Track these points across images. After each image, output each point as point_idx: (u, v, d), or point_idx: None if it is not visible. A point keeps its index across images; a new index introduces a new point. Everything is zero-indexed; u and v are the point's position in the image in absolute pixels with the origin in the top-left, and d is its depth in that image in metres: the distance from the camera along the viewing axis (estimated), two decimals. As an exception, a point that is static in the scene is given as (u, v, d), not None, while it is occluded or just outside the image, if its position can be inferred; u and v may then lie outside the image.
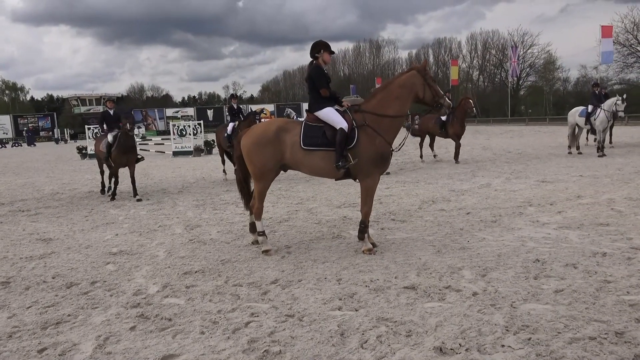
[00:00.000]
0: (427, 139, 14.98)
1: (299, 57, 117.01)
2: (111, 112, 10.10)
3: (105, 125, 10.01)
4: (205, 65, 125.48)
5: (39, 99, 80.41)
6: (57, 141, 54.44)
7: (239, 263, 4.97)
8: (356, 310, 3.62)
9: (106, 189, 10.52)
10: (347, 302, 3.80)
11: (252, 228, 5.62)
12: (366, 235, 5.18)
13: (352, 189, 9.16)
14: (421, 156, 14.72)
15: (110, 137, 9.65)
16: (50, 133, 61.22)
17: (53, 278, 4.74)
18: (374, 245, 5.24)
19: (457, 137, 13.70)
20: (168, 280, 4.52)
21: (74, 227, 7.14)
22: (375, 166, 5.01)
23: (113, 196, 9.66)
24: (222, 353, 3.07)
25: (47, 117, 65.44)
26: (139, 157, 10.04)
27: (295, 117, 44.64)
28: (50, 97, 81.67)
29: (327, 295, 3.95)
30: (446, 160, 14.33)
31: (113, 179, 9.85)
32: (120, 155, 9.44)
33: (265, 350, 3.07)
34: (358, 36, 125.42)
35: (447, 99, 5.23)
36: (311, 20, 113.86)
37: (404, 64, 74.42)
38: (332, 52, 5.29)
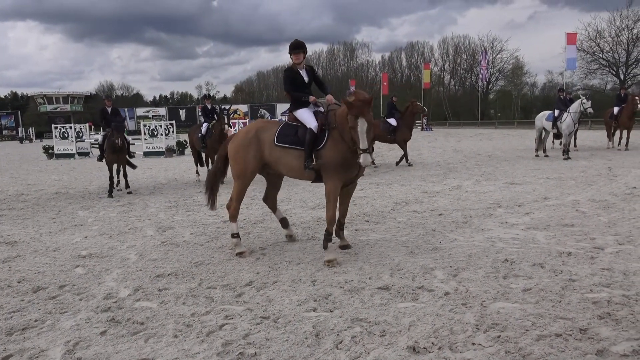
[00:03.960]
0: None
1: (274, 58, 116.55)
2: (109, 109, 10.56)
3: (104, 122, 10.80)
4: (178, 64, 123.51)
5: (2, 96, 77.42)
6: (21, 140, 52.51)
7: (212, 265, 4.93)
8: (331, 311, 3.65)
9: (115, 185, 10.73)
10: (322, 303, 3.82)
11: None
12: (330, 244, 4.92)
13: (326, 190, 9.20)
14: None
15: (100, 137, 10.53)
16: (14, 132, 58.99)
17: (19, 282, 4.58)
18: (347, 247, 5.28)
19: (404, 143, 13.72)
20: (140, 284, 4.44)
21: (41, 230, 6.92)
22: (336, 171, 4.79)
23: (111, 193, 9.98)
24: (197, 356, 3.04)
25: (11, 116, 63.07)
26: (132, 153, 10.85)
27: (269, 118, 44.43)
28: (14, 94, 78.76)
29: (302, 296, 3.97)
30: (419, 163, 14.56)
31: (122, 173, 10.54)
32: (112, 153, 9.99)
33: (240, 353, 3.06)
34: (333, 38, 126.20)
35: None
36: (286, 22, 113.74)
37: (378, 66, 75.21)
38: (295, 52, 5.13)
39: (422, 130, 43.09)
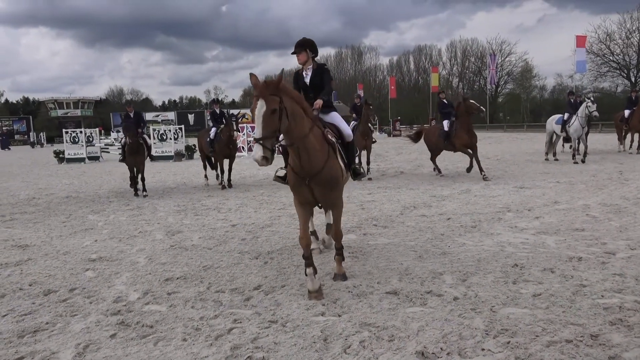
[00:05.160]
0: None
1: (282, 63, 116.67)
2: (131, 114, 10.89)
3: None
4: (187, 69, 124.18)
5: (14, 101, 78.44)
6: (32, 145, 53.11)
7: (221, 269, 4.95)
8: (339, 316, 3.64)
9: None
10: (330, 307, 3.82)
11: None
12: (308, 270, 4.08)
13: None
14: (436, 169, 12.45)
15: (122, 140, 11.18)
16: (26, 137, 59.69)
17: (30, 285, 4.63)
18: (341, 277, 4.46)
19: (466, 149, 11.38)
20: (149, 287, 4.46)
21: (52, 233, 6.99)
22: (291, 187, 4.27)
23: (136, 192, 10.60)
24: (205, 360, 3.05)
25: (23, 121, 63.83)
26: (150, 155, 11.28)
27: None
28: (26, 100, 79.69)
29: (310, 300, 3.96)
30: (428, 166, 14.50)
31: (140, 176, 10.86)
32: (129, 155, 10.48)
33: (248, 357, 3.07)
34: (341, 42, 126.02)
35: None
36: (295, 26, 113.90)
37: (385, 70, 75.13)
38: (296, 52, 4.62)
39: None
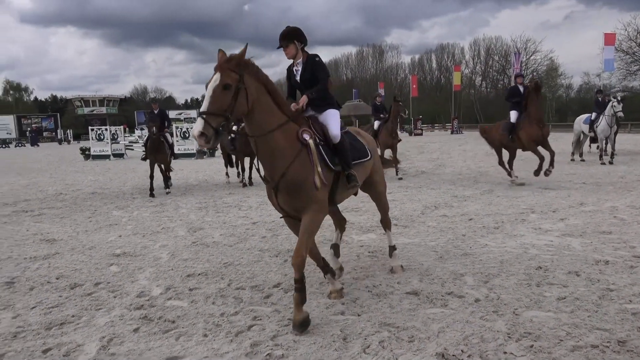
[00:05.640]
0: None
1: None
2: (156, 111, 11.06)
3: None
4: (210, 67, 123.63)
5: (43, 99, 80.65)
6: (60, 142, 54.62)
7: (241, 266, 4.99)
8: (359, 315, 3.63)
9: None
10: (349, 306, 3.81)
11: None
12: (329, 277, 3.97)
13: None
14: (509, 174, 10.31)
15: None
16: (54, 134, 61.35)
17: (57, 279, 4.76)
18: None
19: (535, 144, 9.47)
20: (171, 283, 4.54)
21: (78, 228, 7.17)
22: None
23: (151, 193, 10.34)
24: (225, 356, 3.09)
25: (51, 118, 65.57)
26: (173, 154, 11.48)
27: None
28: (54, 97, 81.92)
29: (329, 299, 3.97)
30: (449, 166, 14.34)
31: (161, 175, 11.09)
32: (150, 153, 10.56)
33: (268, 354, 3.09)
34: (362, 41, 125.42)
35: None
36: (316, 25, 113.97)
37: (407, 68, 74.52)
38: (282, 46, 3.93)
39: (452, 133, 42.44)
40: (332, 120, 3.94)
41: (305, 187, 3.46)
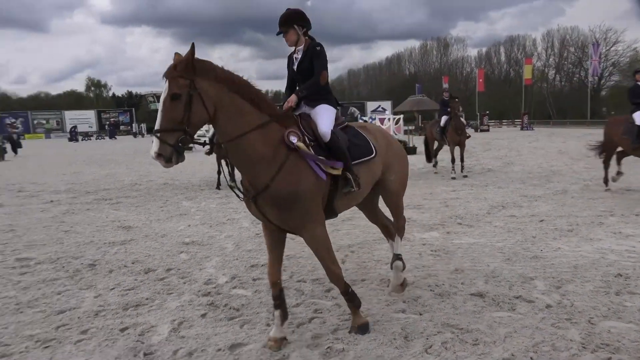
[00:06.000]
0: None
1: (366, 56, 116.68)
2: None
3: None
4: (273, 63, 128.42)
5: (120, 95, 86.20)
6: (135, 135, 58.20)
7: (303, 259, 5.07)
8: (420, 314, 3.58)
9: None
10: (411, 305, 3.76)
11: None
12: (275, 313, 3.30)
13: (416, 190, 9.00)
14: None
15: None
16: (129, 127, 65.42)
17: (133, 263, 5.10)
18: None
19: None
20: (236, 272, 4.71)
21: (151, 217, 7.62)
22: None
23: (218, 186, 10.60)
24: (288, 347, 3.16)
25: (127, 113, 69.92)
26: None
27: (359, 116, 44.40)
28: (130, 93, 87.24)
29: (390, 296, 3.93)
30: (518, 164, 13.67)
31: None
32: (217, 148, 10.65)
33: (328, 347, 3.12)
34: (427, 34, 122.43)
35: None
36: (379, 19, 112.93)
37: (473, 62, 71.79)
38: (281, 32, 3.51)
39: (522, 129, 40.38)
40: (322, 116, 3.40)
41: (295, 198, 2.97)
